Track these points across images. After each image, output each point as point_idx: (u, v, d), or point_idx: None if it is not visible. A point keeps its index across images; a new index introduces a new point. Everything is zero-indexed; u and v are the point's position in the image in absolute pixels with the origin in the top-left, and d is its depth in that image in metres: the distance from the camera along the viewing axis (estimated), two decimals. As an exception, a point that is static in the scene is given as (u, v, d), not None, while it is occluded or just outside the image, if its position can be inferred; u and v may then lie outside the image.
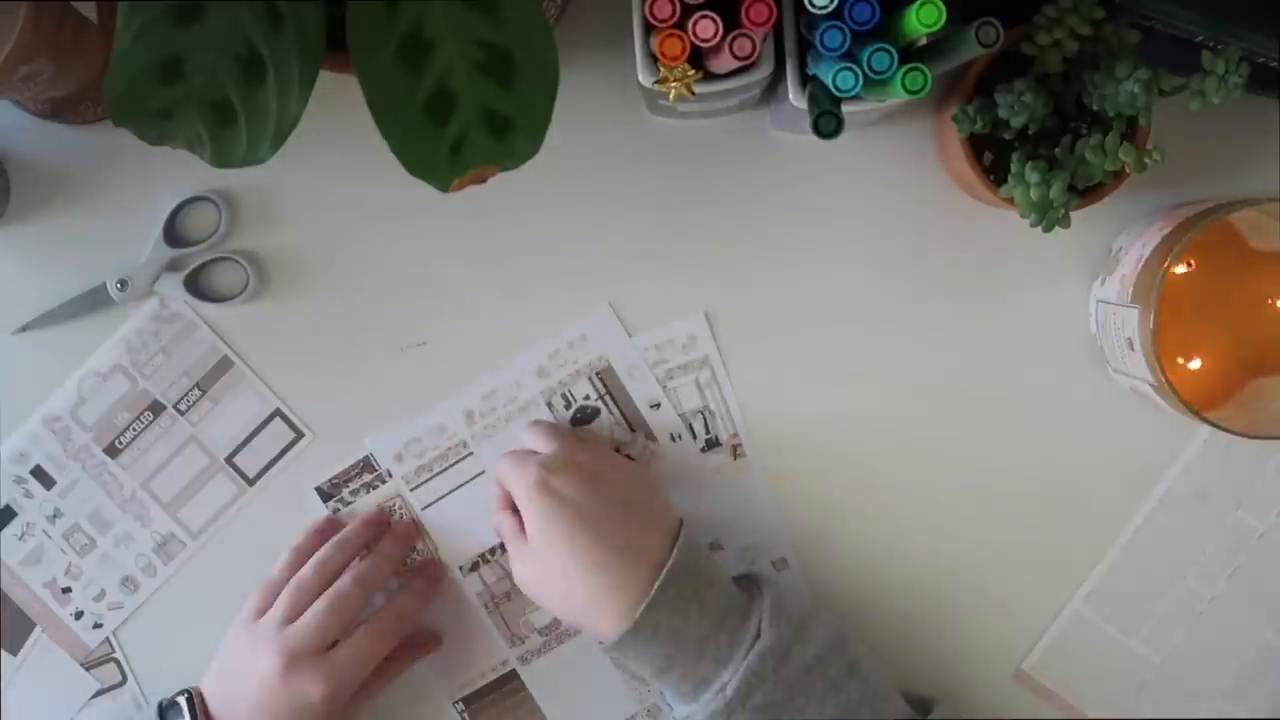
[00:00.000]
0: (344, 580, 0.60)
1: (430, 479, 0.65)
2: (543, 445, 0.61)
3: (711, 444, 0.65)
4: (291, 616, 0.59)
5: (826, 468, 0.65)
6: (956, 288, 0.64)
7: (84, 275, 0.64)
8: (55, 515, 0.65)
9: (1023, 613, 0.65)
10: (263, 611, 0.60)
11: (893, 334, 0.64)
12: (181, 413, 0.65)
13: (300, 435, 0.65)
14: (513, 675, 0.66)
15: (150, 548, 0.66)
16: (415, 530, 0.65)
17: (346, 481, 0.65)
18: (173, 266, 0.64)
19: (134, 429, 0.65)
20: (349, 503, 0.65)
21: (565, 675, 0.66)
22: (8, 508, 0.65)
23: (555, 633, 0.66)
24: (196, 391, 0.65)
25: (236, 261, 0.64)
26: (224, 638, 0.61)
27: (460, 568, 0.66)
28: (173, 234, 0.64)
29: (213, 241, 0.64)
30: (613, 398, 0.65)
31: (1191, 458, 0.64)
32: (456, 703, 0.66)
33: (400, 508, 0.65)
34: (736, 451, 0.65)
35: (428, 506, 0.65)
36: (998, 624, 0.65)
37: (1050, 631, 0.65)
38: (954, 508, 0.65)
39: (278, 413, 0.65)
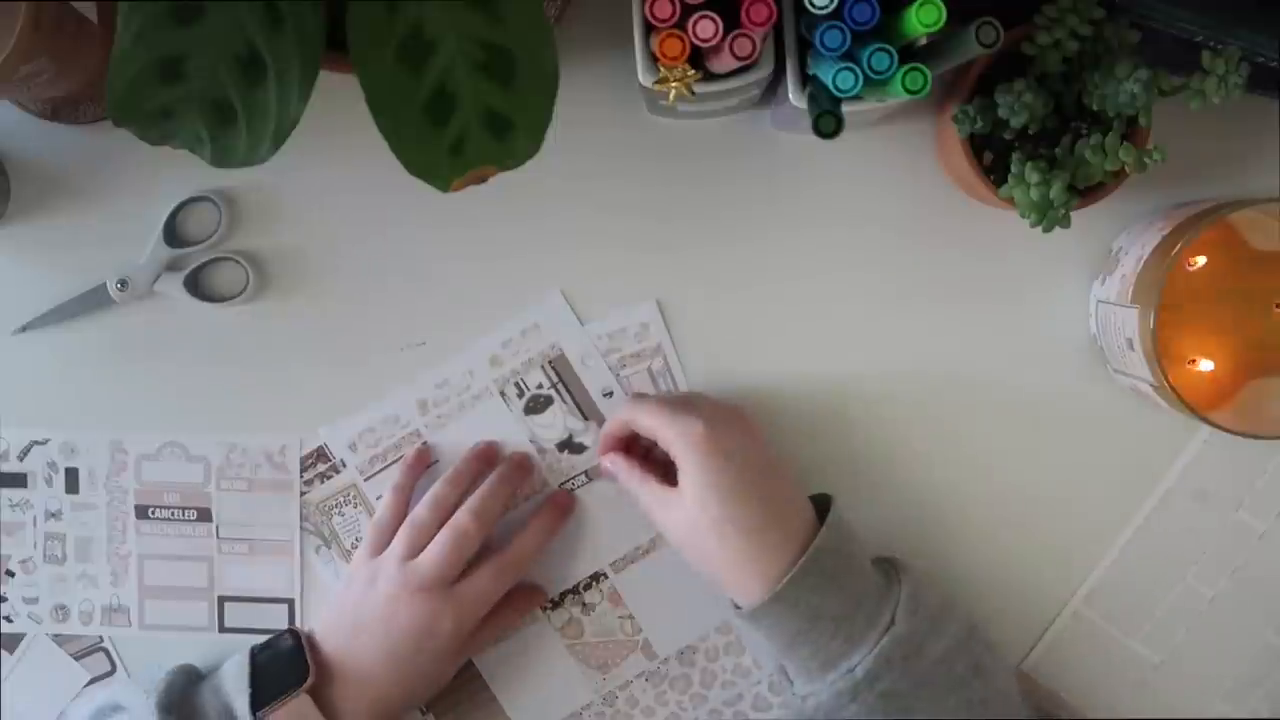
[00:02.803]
0: (461, 516, 0.60)
1: (384, 468, 0.65)
2: (669, 407, 0.58)
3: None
4: (411, 553, 0.60)
5: (825, 466, 0.64)
6: (956, 288, 0.64)
7: (84, 275, 0.64)
8: (53, 515, 0.66)
9: (1023, 613, 0.65)
10: (379, 549, 0.61)
11: (892, 333, 0.64)
12: (220, 538, 0.65)
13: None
14: (469, 665, 0.65)
15: (101, 604, 0.66)
16: (528, 459, 0.65)
17: (302, 471, 0.65)
18: (173, 266, 0.64)
19: (173, 513, 0.65)
20: (303, 492, 0.65)
21: (521, 665, 0.66)
22: (24, 476, 0.66)
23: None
24: (244, 532, 0.65)
25: (236, 261, 0.64)
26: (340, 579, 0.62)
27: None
28: (173, 234, 0.64)
29: (213, 241, 0.64)
30: (565, 386, 0.65)
31: (1191, 458, 0.64)
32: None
33: (355, 498, 0.65)
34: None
35: (381, 496, 0.65)
36: (998, 624, 0.65)
37: (1050, 631, 0.65)
38: (954, 508, 0.65)
39: (291, 602, 0.66)
